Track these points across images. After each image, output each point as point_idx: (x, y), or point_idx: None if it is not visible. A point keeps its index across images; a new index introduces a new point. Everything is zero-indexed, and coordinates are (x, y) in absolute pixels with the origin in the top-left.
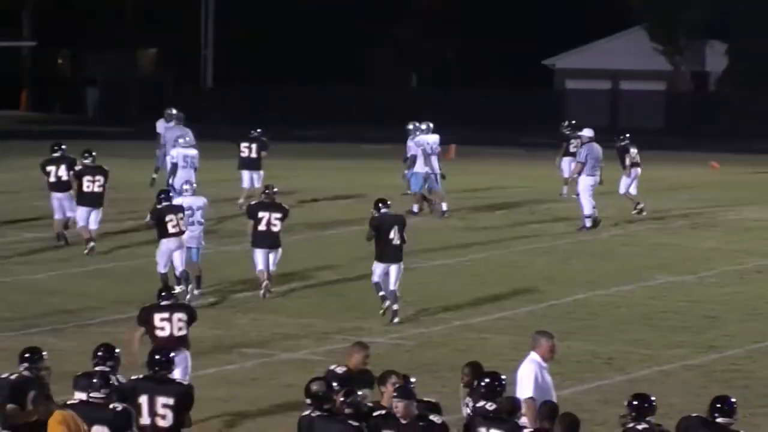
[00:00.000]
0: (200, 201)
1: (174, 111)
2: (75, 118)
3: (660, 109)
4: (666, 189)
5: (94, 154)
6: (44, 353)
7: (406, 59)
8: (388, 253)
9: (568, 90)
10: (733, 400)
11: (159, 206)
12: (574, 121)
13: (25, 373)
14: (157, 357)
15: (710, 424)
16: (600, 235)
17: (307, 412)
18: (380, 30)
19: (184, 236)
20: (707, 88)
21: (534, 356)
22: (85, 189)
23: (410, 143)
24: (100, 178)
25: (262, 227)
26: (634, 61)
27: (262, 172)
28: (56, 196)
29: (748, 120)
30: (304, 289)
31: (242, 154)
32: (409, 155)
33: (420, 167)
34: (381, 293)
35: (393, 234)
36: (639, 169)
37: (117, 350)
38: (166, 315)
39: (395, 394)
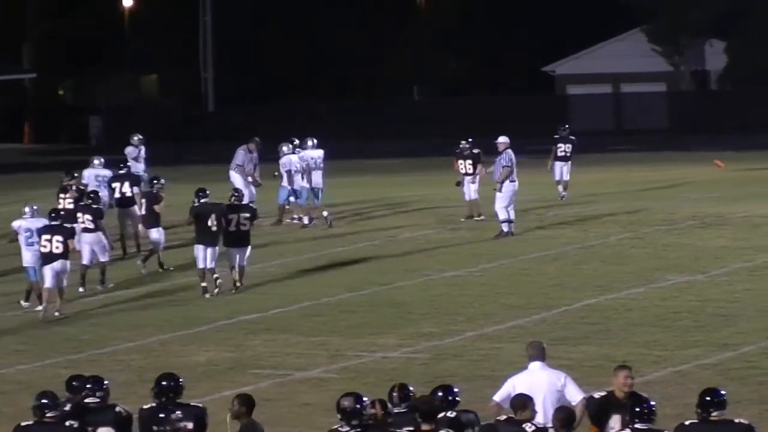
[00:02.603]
0: (40, 223)
1: (140, 136)
2: (79, 148)
3: (662, 109)
4: (672, 189)
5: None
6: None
7: (408, 71)
8: (206, 238)
9: (570, 95)
10: (722, 392)
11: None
12: (567, 126)
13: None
14: (164, 383)
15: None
16: (608, 239)
17: (335, 427)
18: (381, 43)
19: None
20: (708, 87)
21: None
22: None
23: (284, 160)
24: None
25: (232, 228)
26: (634, 63)
27: None
28: (120, 212)
29: (750, 117)
30: (315, 307)
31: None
32: (284, 171)
33: (299, 183)
34: (203, 284)
35: (211, 222)
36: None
37: (106, 382)
38: (48, 237)
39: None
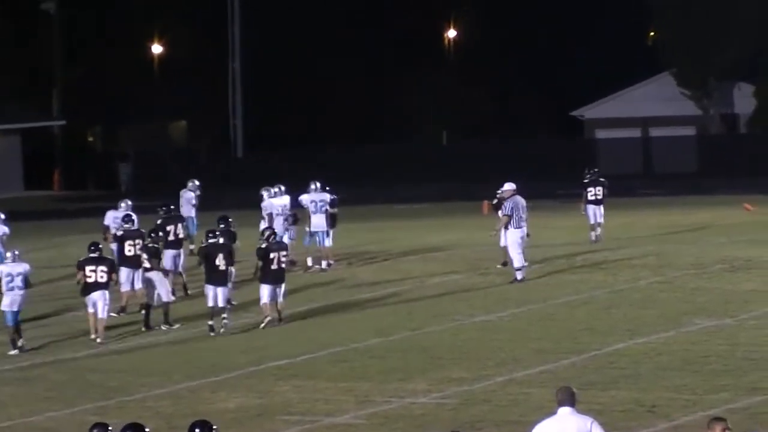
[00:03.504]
0: (21, 267)
1: (196, 182)
2: (108, 195)
3: (691, 153)
4: (701, 233)
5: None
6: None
7: (437, 116)
8: (215, 278)
9: (598, 139)
10: None
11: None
12: (596, 169)
13: None
14: (198, 430)
15: None
16: (638, 283)
17: None
18: (409, 87)
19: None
20: (738, 130)
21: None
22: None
23: (265, 203)
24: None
25: (273, 266)
26: (663, 107)
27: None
28: (170, 254)
29: None
30: (343, 353)
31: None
32: (265, 214)
33: (279, 226)
34: (210, 322)
35: (218, 261)
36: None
37: (147, 430)
38: (92, 267)
39: None
